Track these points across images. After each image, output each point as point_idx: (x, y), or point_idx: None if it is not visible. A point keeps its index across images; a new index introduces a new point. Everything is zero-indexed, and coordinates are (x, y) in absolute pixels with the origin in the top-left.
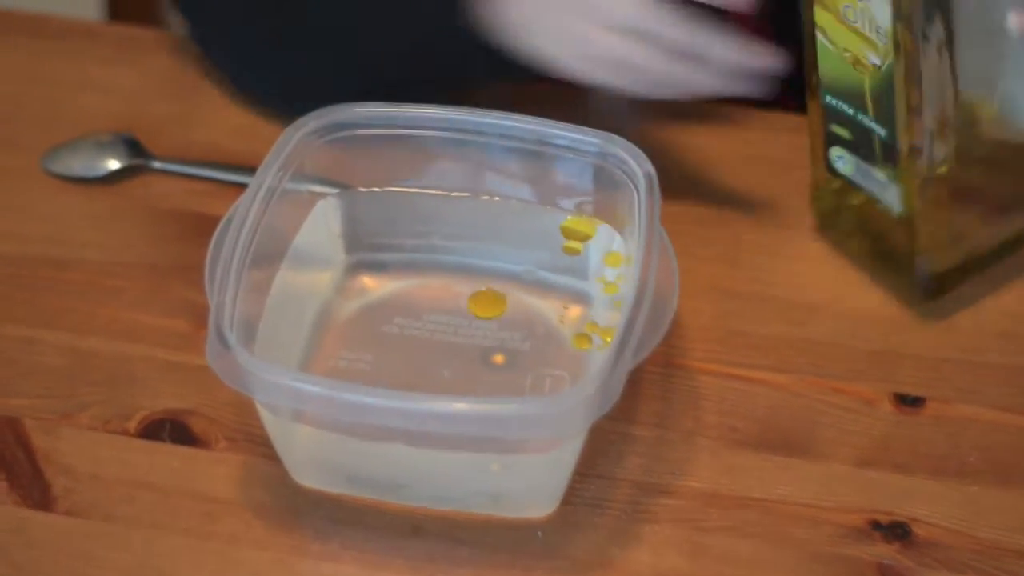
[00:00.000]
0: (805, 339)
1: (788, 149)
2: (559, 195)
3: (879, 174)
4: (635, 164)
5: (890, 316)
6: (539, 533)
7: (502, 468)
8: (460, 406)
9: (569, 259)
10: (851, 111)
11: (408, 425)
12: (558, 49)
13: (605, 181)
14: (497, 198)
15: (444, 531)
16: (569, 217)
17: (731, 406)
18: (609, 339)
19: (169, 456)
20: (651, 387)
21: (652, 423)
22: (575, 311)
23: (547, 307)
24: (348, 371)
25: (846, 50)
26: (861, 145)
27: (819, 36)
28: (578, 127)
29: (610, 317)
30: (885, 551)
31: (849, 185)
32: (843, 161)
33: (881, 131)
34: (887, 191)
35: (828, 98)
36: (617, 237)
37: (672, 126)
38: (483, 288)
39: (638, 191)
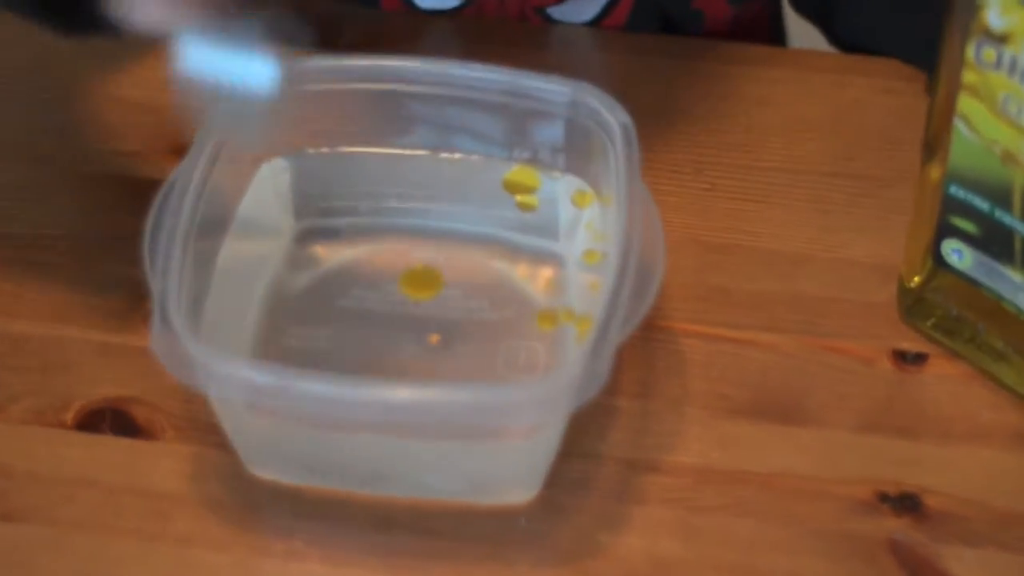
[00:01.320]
0: (794, 293)
1: (762, 84)
2: (526, 150)
3: (1015, 276)
4: (609, 115)
5: (883, 264)
6: (522, 520)
7: (479, 453)
8: (431, 394)
9: (537, 218)
10: (986, 207)
11: (375, 417)
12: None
13: (577, 134)
14: (458, 155)
15: (417, 523)
16: (513, 168)
17: (720, 371)
18: (579, 318)
19: (111, 450)
20: (632, 353)
21: (635, 393)
22: (546, 274)
23: (515, 272)
24: (305, 352)
25: (995, 143)
26: (992, 243)
27: (959, 124)
28: (546, 76)
29: (584, 281)
30: (895, 525)
31: (955, 277)
32: (959, 255)
33: None
34: (1021, 294)
35: (954, 189)
36: (589, 192)
37: (636, 67)
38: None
39: (613, 144)
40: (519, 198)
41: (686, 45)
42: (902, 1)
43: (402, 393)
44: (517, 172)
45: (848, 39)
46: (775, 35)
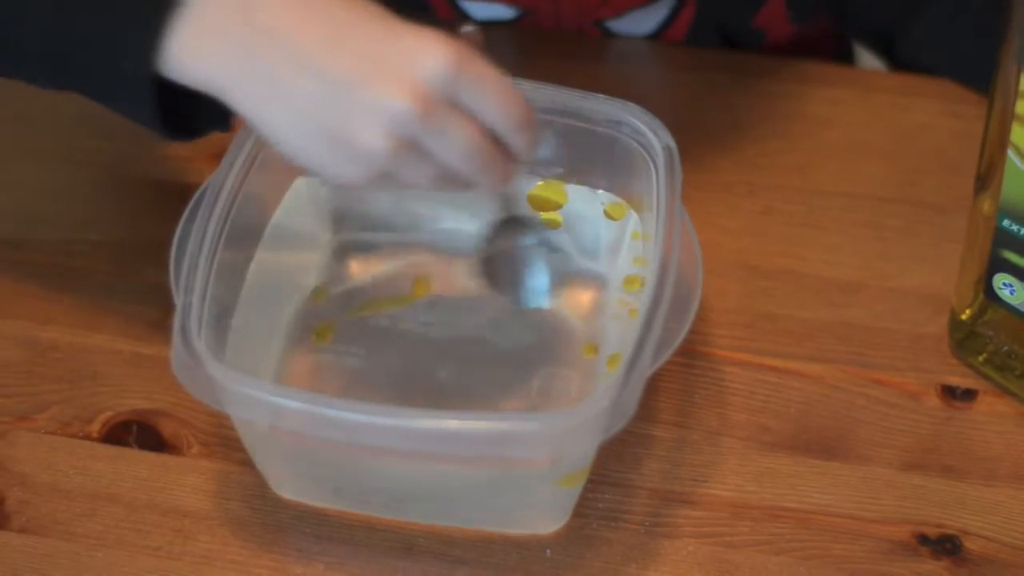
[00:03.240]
0: (843, 323)
1: (823, 104)
2: (567, 169)
3: None
4: (653, 136)
5: (937, 295)
6: (547, 551)
7: (504, 481)
8: (455, 424)
9: (582, 238)
10: None
11: (397, 444)
12: (311, 146)
13: (620, 154)
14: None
15: (441, 549)
16: (537, 183)
17: (761, 402)
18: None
19: (136, 464)
20: (671, 380)
21: (673, 422)
22: (587, 296)
23: (557, 295)
24: (335, 370)
25: None
26: None
27: (1012, 156)
28: (591, 93)
29: (624, 306)
30: (933, 569)
31: (1007, 312)
32: (1011, 290)
33: None
34: None
35: (1006, 223)
36: (634, 216)
37: (693, 82)
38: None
39: (656, 166)
40: (545, 215)
41: (746, 61)
42: (963, 25)
43: (424, 422)
44: (543, 187)
45: (908, 64)
46: (842, 51)
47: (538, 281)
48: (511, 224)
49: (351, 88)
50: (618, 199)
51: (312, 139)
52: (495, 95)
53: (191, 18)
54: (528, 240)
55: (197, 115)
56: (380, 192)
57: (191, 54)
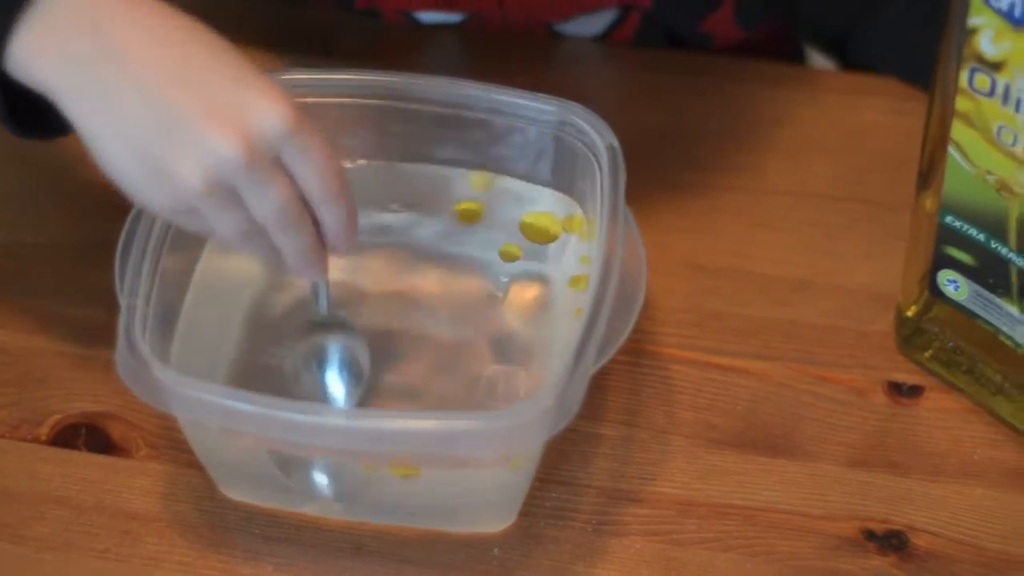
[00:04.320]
0: (790, 321)
1: (771, 103)
2: (512, 169)
3: (1011, 308)
4: (596, 136)
5: (883, 293)
6: (495, 550)
7: (451, 480)
8: (401, 423)
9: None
10: (981, 237)
11: (343, 444)
12: (128, 166)
13: (564, 154)
14: (445, 169)
15: (389, 549)
16: (528, 213)
17: (708, 400)
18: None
19: (84, 466)
20: (618, 379)
21: (620, 420)
22: (532, 296)
23: (500, 291)
24: (283, 371)
25: (989, 173)
26: (989, 275)
27: (952, 153)
28: (533, 93)
29: (570, 306)
30: (880, 565)
31: (952, 308)
32: (955, 286)
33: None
34: (1018, 327)
35: (949, 219)
36: (577, 213)
37: (641, 82)
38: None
39: (600, 166)
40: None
41: (694, 61)
42: (913, 25)
43: (370, 422)
44: (535, 217)
45: (859, 64)
46: (792, 53)
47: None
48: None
49: (184, 122)
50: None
51: (131, 161)
52: (319, 164)
53: (38, 19)
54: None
55: (53, 116)
56: (186, 228)
57: (32, 55)
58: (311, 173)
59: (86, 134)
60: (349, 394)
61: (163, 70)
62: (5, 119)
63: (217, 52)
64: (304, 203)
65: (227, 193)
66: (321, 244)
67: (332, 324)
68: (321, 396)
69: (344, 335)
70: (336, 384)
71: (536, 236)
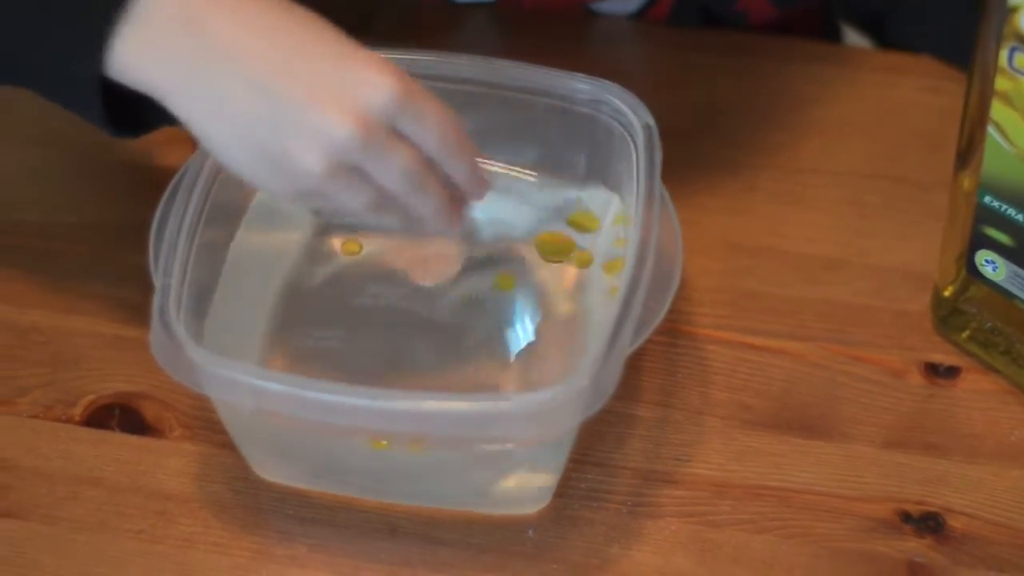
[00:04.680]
0: (825, 300)
1: (807, 81)
2: (546, 150)
3: None
4: (632, 115)
5: (920, 272)
6: (529, 532)
7: (486, 462)
8: (435, 404)
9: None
10: (1020, 218)
11: (379, 425)
12: (248, 161)
13: (600, 133)
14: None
15: (423, 531)
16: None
17: (743, 380)
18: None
19: (118, 447)
20: (653, 359)
21: (655, 401)
22: (570, 277)
23: (538, 273)
24: (316, 351)
25: None
26: None
27: (992, 132)
28: (568, 73)
29: (605, 285)
30: (916, 547)
31: (990, 289)
32: (993, 267)
33: None
34: None
35: (988, 199)
36: (615, 198)
37: (676, 61)
38: (468, 253)
39: (636, 146)
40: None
41: (729, 39)
42: (950, 7)
43: (405, 404)
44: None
45: (897, 43)
46: (828, 31)
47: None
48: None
49: (296, 110)
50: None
51: (251, 154)
52: (435, 124)
53: (136, 23)
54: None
55: (148, 111)
56: (317, 210)
57: (135, 59)
58: (429, 134)
59: (200, 133)
60: None
61: (267, 61)
62: (104, 122)
63: (316, 33)
64: (428, 163)
65: (350, 172)
66: (454, 197)
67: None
68: None
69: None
70: None
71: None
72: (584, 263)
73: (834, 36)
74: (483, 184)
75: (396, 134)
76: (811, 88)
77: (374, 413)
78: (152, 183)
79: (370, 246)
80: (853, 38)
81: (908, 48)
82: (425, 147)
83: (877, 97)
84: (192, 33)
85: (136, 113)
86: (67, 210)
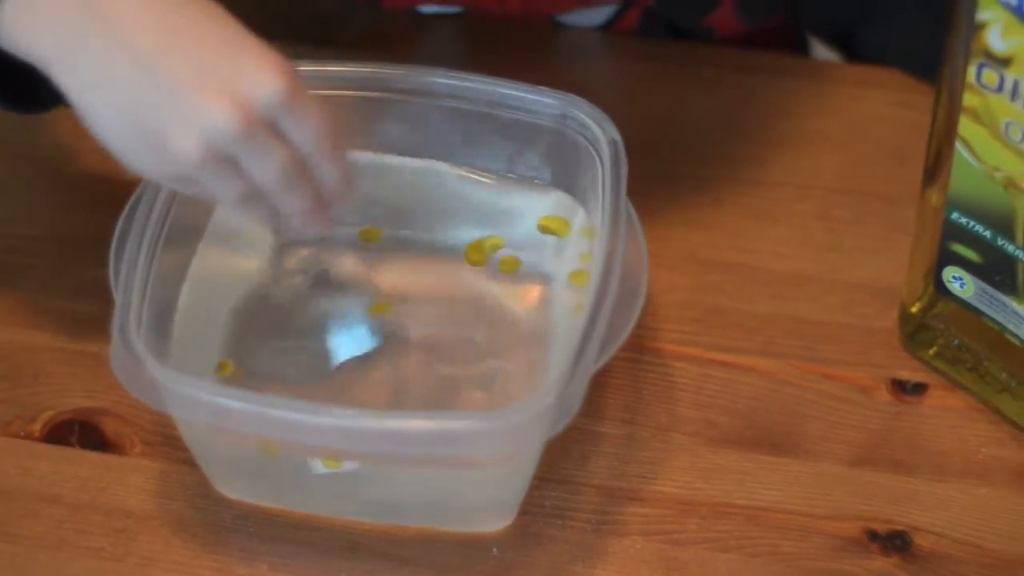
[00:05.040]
0: (793, 317)
1: (774, 94)
2: (512, 163)
3: (1018, 306)
4: (598, 129)
5: (888, 288)
6: (493, 550)
7: (448, 480)
8: (398, 423)
9: (525, 235)
10: (988, 234)
11: (341, 444)
12: (123, 137)
13: (565, 147)
14: (444, 165)
15: (385, 548)
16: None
17: (709, 397)
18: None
19: (78, 464)
20: (619, 376)
21: (620, 418)
22: (534, 293)
23: (500, 288)
24: (279, 368)
25: (997, 169)
26: (995, 272)
27: (959, 148)
28: (534, 87)
29: (570, 302)
30: (883, 565)
31: (957, 306)
32: (961, 283)
33: None
34: None
35: (955, 216)
36: (580, 211)
37: (642, 73)
38: (410, 271)
39: (602, 161)
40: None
41: (696, 51)
42: (919, 22)
43: (368, 422)
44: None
45: (866, 57)
46: (797, 44)
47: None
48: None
49: (178, 93)
50: (562, 211)
51: (127, 132)
52: (314, 126)
53: None
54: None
55: (43, 88)
56: (187, 193)
57: (22, 25)
58: (307, 136)
59: (80, 105)
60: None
61: (155, 37)
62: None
63: (212, 17)
64: (301, 163)
65: (225, 162)
66: (322, 200)
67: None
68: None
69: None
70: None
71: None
72: (510, 267)
73: (802, 50)
74: (350, 189)
75: (275, 131)
76: (779, 101)
77: (335, 431)
78: (113, 195)
79: (334, 264)
80: (821, 53)
81: (876, 62)
82: (302, 148)
83: (846, 110)
84: (83, 0)
85: (32, 89)
86: (24, 222)
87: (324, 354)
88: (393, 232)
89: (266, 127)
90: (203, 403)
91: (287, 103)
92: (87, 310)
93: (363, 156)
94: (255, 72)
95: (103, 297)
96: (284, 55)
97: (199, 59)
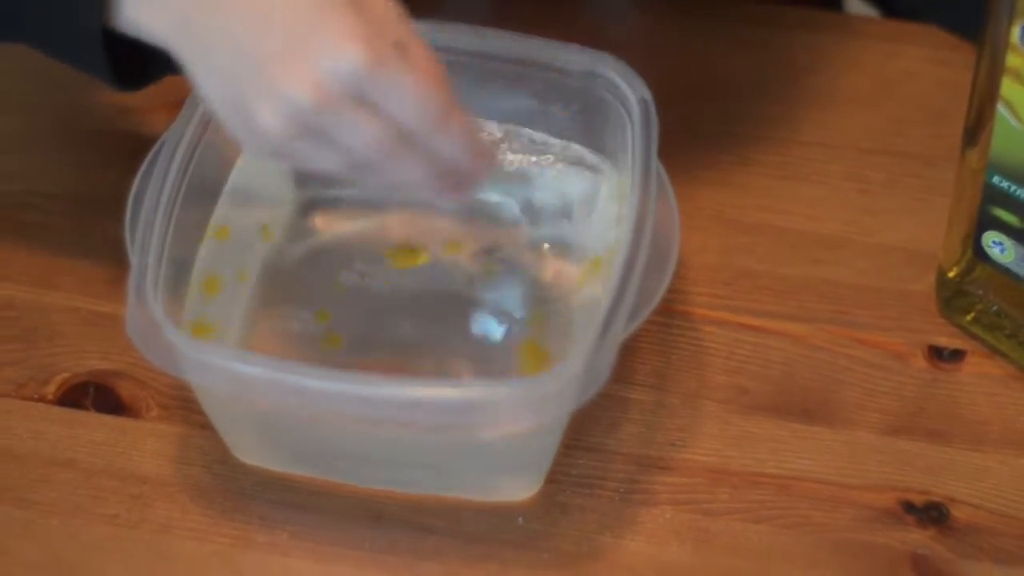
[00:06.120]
0: (826, 280)
1: (806, 50)
2: (538, 122)
3: None
4: (628, 88)
5: (924, 251)
6: (519, 519)
7: (474, 448)
8: (422, 391)
9: (553, 197)
10: None
11: (366, 412)
12: (226, 113)
13: (594, 106)
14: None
15: (409, 517)
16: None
17: (740, 363)
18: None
19: (93, 428)
20: (648, 341)
21: (649, 384)
22: (560, 256)
23: (527, 252)
24: (298, 331)
25: None
26: None
27: (1001, 110)
28: (562, 44)
29: (599, 264)
30: (919, 538)
31: (996, 271)
32: (1001, 248)
33: None
34: None
35: (996, 179)
36: (609, 171)
37: (671, 29)
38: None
39: (631, 120)
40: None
41: (727, 7)
42: None
43: (392, 390)
44: None
45: (902, 13)
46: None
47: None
48: None
49: (263, 68)
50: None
51: (226, 108)
52: (410, 96)
53: None
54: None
55: (149, 59)
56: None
57: (139, 11)
58: (403, 107)
59: (194, 82)
60: None
61: (248, 14)
62: (109, 76)
63: None
64: (406, 134)
65: (314, 136)
66: (449, 171)
67: None
68: None
69: None
70: None
71: None
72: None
73: (835, 5)
74: (482, 160)
75: (363, 103)
76: (810, 57)
77: (360, 400)
78: (130, 152)
79: (355, 223)
80: (856, 8)
81: (914, 18)
82: (400, 119)
83: (879, 68)
84: None
85: (136, 65)
86: (41, 180)
87: (343, 317)
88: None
89: (349, 101)
90: (222, 369)
91: (370, 75)
92: (103, 270)
93: None
94: (336, 43)
95: (119, 256)
96: (400, 16)
97: (288, 31)
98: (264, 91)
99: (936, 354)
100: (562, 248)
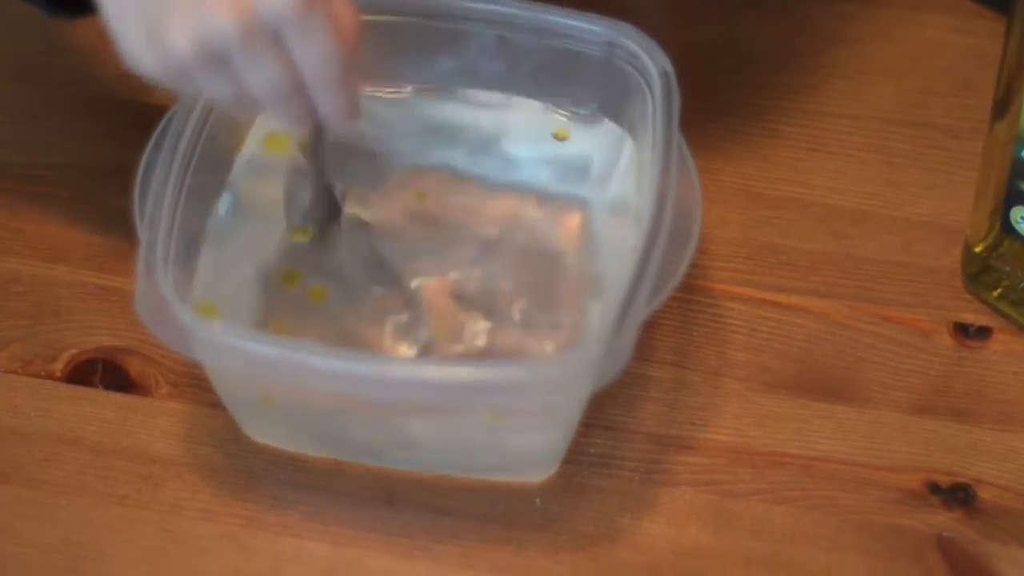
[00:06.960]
0: (850, 255)
1: (829, 19)
2: (556, 93)
3: None
4: (648, 59)
5: (950, 225)
6: (537, 500)
7: (491, 428)
8: (439, 372)
9: (570, 165)
10: None
11: (381, 393)
12: (128, 24)
13: (614, 77)
14: (483, 94)
15: (424, 499)
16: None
17: (763, 340)
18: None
19: (101, 405)
20: (668, 317)
21: (669, 362)
22: (574, 226)
23: (545, 224)
24: (313, 308)
25: None
26: None
27: None
28: (581, 13)
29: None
30: (945, 520)
31: (1021, 245)
32: None
33: None
34: None
35: None
36: (628, 143)
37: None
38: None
39: (652, 92)
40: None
41: None
42: None
43: (409, 370)
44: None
45: None
46: None
47: None
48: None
49: None
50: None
51: (129, 19)
52: (319, 50)
53: None
54: None
55: None
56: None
57: None
58: (309, 58)
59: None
60: None
61: None
62: (44, 3)
63: None
64: (299, 82)
65: (218, 63)
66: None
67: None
68: None
69: None
70: None
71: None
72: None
73: None
74: (345, 123)
75: (275, 44)
76: (834, 26)
77: (375, 380)
78: (139, 122)
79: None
80: None
81: None
82: (303, 69)
83: (904, 37)
84: None
85: None
86: (48, 150)
87: (354, 294)
88: (434, 163)
89: (265, 38)
90: (233, 349)
91: (293, 18)
92: (112, 243)
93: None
94: None
95: (128, 230)
96: None
97: None
98: (183, 11)
99: (962, 331)
100: (574, 213)
